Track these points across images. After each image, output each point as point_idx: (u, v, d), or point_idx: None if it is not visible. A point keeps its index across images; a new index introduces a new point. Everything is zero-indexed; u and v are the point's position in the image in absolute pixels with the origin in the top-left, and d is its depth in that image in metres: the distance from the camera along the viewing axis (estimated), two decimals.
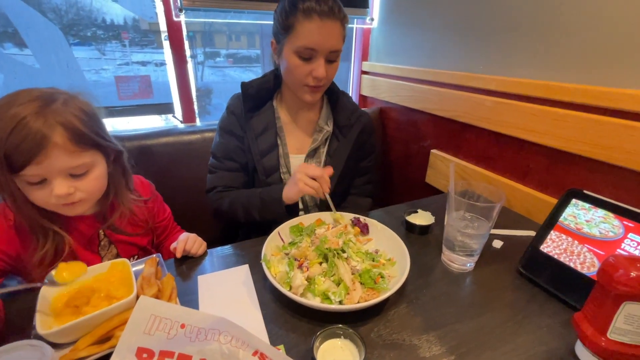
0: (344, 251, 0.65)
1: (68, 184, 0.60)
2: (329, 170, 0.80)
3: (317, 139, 0.95)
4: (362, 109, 1.11)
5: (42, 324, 0.46)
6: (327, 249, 0.64)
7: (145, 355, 0.40)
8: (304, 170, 0.78)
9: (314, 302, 0.56)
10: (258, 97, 0.92)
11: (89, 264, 0.56)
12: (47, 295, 0.51)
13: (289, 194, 0.80)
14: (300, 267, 0.62)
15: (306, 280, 0.60)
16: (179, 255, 0.70)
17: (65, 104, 0.60)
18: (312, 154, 0.95)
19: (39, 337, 0.44)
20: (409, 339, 0.53)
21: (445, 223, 0.70)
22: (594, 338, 0.46)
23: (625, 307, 0.42)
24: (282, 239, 0.72)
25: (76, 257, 0.66)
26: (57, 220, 0.65)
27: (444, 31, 1.17)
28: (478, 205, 0.64)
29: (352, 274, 0.61)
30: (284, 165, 0.94)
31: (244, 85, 0.90)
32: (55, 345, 0.47)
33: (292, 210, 0.87)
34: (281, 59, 0.85)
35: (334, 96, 0.97)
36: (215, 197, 0.93)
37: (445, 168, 1.23)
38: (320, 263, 0.63)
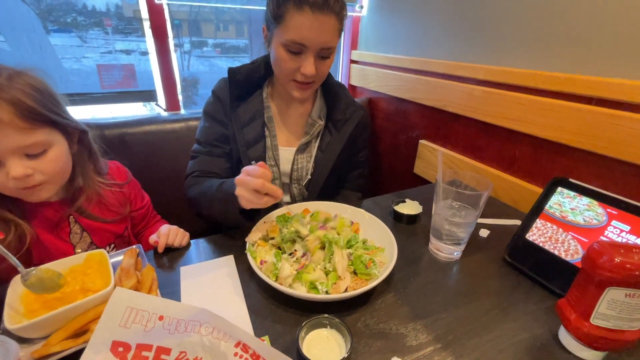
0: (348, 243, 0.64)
1: (24, 164, 0.56)
2: (265, 170, 0.63)
3: (309, 132, 0.91)
4: (356, 99, 1.08)
5: (11, 318, 0.44)
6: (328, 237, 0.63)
7: (121, 350, 0.38)
8: (243, 184, 0.63)
9: (301, 292, 0.55)
10: (246, 85, 0.88)
11: (59, 252, 0.54)
12: (17, 287, 0.49)
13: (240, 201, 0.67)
14: (293, 256, 0.62)
15: (295, 270, 0.58)
16: (160, 250, 0.67)
17: (10, 79, 0.55)
18: (302, 149, 0.92)
19: (8, 333, 0.42)
20: (396, 328, 0.53)
21: (432, 212, 0.70)
22: (577, 323, 0.47)
23: (609, 292, 0.43)
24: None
25: (44, 245, 0.63)
26: (19, 207, 0.62)
27: (434, 19, 1.16)
28: (466, 194, 0.63)
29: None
30: (272, 158, 0.90)
31: (231, 71, 0.85)
32: (26, 341, 0.45)
33: (249, 215, 0.72)
34: (270, 49, 0.80)
35: (329, 88, 0.93)
36: (189, 183, 0.85)
37: (434, 158, 1.23)
38: (323, 247, 0.62)
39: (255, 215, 0.74)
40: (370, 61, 1.51)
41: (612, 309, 0.44)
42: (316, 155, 0.93)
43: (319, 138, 0.94)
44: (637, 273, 0.40)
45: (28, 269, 0.48)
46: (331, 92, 0.93)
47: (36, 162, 0.58)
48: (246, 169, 0.64)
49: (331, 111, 0.93)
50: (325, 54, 0.76)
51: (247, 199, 0.63)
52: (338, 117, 0.92)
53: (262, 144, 0.88)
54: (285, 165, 0.92)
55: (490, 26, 0.97)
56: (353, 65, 1.64)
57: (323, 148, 0.92)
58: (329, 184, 0.95)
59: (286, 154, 0.92)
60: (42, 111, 0.57)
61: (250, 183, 0.61)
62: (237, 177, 0.64)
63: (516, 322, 0.54)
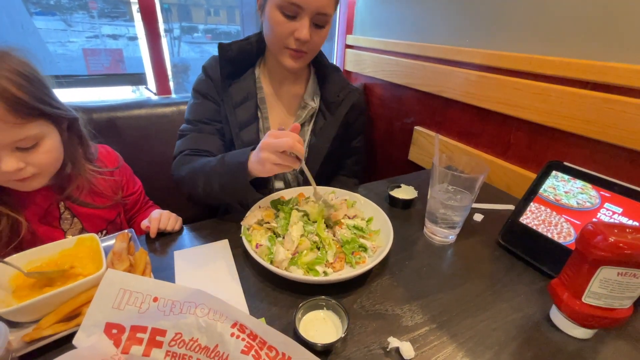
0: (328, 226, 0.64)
1: (16, 158, 0.55)
2: (296, 128, 0.62)
3: (301, 115, 0.89)
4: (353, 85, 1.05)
5: (0, 301, 0.43)
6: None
7: (115, 331, 0.38)
8: (270, 147, 0.59)
9: (297, 274, 0.55)
10: (238, 62, 0.84)
11: (50, 239, 0.52)
12: (5, 270, 0.47)
13: (255, 170, 0.64)
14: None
15: (291, 254, 0.58)
16: (153, 235, 0.66)
17: None
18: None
19: None
20: (392, 309, 0.53)
21: (428, 196, 0.70)
22: (569, 302, 0.47)
23: (602, 271, 0.43)
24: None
25: (34, 232, 0.62)
26: (10, 194, 0.60)
27: (431, 3, 1.14)
28: (462, 177, 0.63)
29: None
30: None
31: (222, 47, 0.81)
32: (16, 324, 0.44)
33: (260, 184, 0.72)
34: (264, 17, 0.76)
35: (322, 69, 0.90)
36: (179, 162, 0.79)
37: (429, 145, 1.23)
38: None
39: (266, 186, 0.71)
40: (366, 46, 1.49)
41: (604, 288, 0.44)
42: (310, 140, 0.91)
43: (312, 122, 0.91)
44: (629, 252, 0.41)
45: None
46: (324, 73, 0.90)
47: (28, 154, 0.56)
48: (272, 132, 0.61)
49: (324, 93, 0.90)
50: (321, 21, 0.73)
51: (273, 162, 0.59)
52: (332, 99, 0.89)
53: (255, 125, 0.86)
54: None
55: (487, 9, 0.95)
56: (348, 50, 1.61)
57: (317, 132, 0.90)
58: (324, 170, 0.93)
59: None
60: (33, 104, 0.55)
61: (281, 144, 0.57)
62: (263, 141, 0.60)
63: (509, 303, 0.55)
